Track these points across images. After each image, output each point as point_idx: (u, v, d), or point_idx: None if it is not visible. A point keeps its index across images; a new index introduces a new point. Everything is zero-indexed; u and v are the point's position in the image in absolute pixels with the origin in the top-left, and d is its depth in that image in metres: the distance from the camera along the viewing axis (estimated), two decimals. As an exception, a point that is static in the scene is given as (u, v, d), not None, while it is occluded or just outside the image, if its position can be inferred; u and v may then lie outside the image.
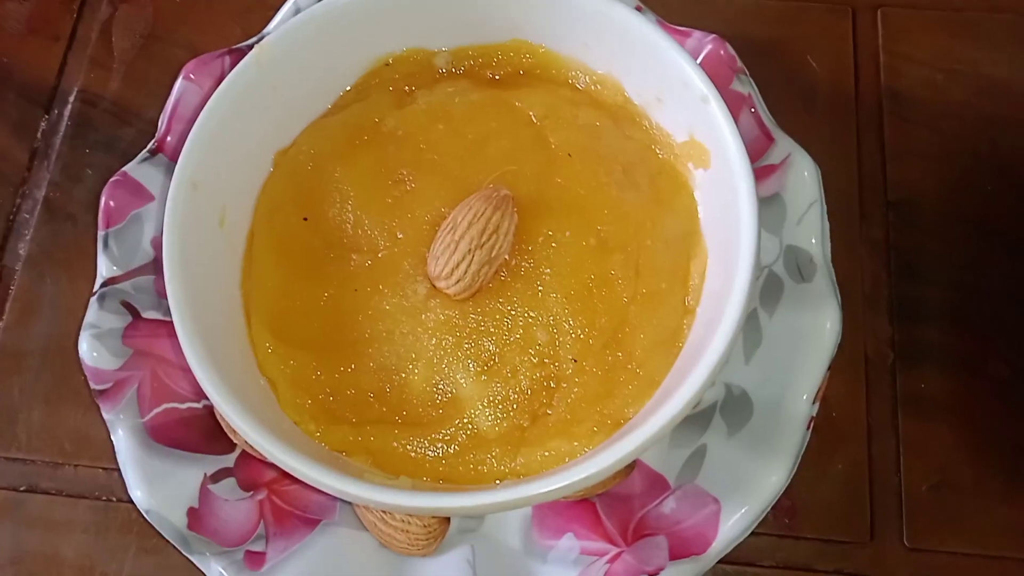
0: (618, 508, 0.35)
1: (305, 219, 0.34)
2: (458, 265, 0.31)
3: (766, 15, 0.44)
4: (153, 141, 0.38)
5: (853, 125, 0.42)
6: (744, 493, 0.33)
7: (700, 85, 0.32)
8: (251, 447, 0.35)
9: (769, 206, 0.38)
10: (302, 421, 0.32)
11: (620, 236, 0.33)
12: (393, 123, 0.35)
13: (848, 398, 0.38)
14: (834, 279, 0.36)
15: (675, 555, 0.33)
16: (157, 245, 0.38)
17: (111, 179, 0.37)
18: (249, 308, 0.33)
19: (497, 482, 0.31)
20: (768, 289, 0.37)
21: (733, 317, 0.29)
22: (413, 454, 0.31)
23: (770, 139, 0.38)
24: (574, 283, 0.33)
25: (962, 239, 0.40)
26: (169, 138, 0.38)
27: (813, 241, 0.36)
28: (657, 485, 0.36)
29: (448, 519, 0.34)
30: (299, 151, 0.35)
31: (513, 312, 0.32)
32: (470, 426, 0.32)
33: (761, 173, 0.38)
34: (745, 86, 0.38)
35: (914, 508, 0.36)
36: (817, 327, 0.35)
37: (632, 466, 0.35)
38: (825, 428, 0.37)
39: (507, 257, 0.33)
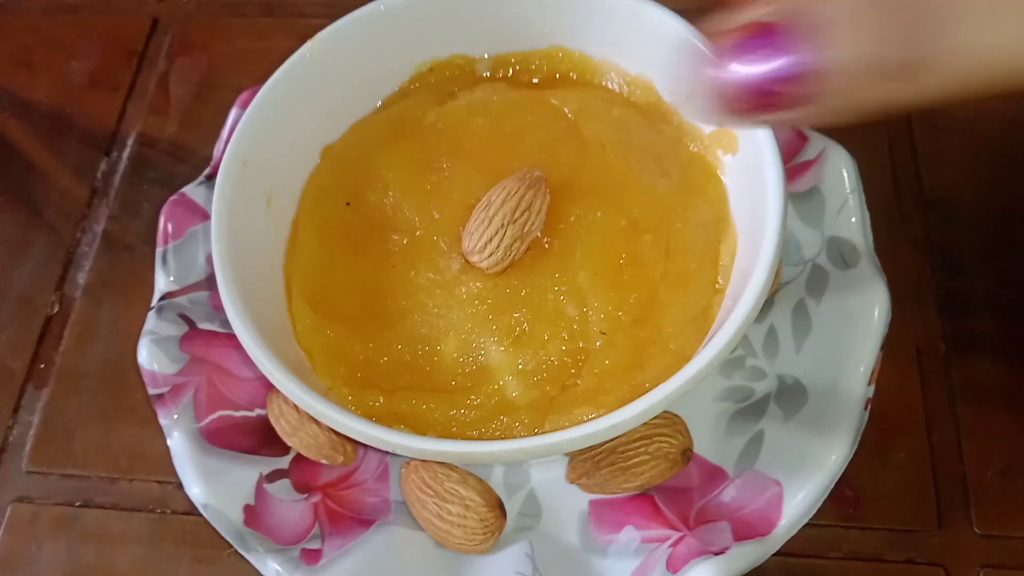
0: (677, 499, 0.35)
1: (348, 204, 0.35)
2: (491, 239, 0.32)
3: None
4: (209, 167, 0.40)
5: (884, 134, 0.43)
6: (806, 472, 0.33)
7: None
8: (305, 447, 0.35)
9: (808, 200, 0.38)
10: (335, 387, 0.32)
11: (650, 218, 0.34)
12: (434, 117, 0.37)
13: (903, 390, 0.37)
14: (878, 263, 0.36)
15: (739, 538, 0.32)
16: (212, 261, 0.39)
17: (170, 199, 0.39)
18: (290, 284, 0.34)
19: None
20: (813, 280, 0.37)
21: (758, 280, 0.29)
22: (443, 419, 0.32)
23: (803, 138, 0.39)
24: (604, 261, 0.33)
25: (1002, 233, 0.40)
26: (225, 162, 0.40)
27: (854, 227, 0.37)
28: (715, 477, 0.35)
29: (504, 515, 0.34)
30: (345, 145, 0.37)
31: (544, 287, 0.33)
32: (499, 394, 0.32)
33: (797, 170, 0.39)
34: (774, 91, 0.40)
35: (982, 494, 0.35)
36: (866, 307, 0.35)
37: (688, 458, 0.35)
38: (883, 419, 0.36)
39: (539, 235, 0.33)
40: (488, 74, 0.38)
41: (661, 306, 0.33)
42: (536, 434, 0.30)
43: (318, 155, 0.37)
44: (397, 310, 0.33)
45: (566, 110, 0.36)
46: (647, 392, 0.30)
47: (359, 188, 0.36)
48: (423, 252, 0.34)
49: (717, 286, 0.33)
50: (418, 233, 0.34)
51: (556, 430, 0.29)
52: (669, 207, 0.34)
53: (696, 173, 0.35)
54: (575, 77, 0.38)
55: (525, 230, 0.33)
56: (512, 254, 0.33)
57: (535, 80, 0.38)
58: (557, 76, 0.38)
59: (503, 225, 0.32)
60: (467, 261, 0.33)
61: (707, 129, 0.35)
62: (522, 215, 0.32)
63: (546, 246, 0.33)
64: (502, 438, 0.31)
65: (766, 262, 0.29)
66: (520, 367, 0.32)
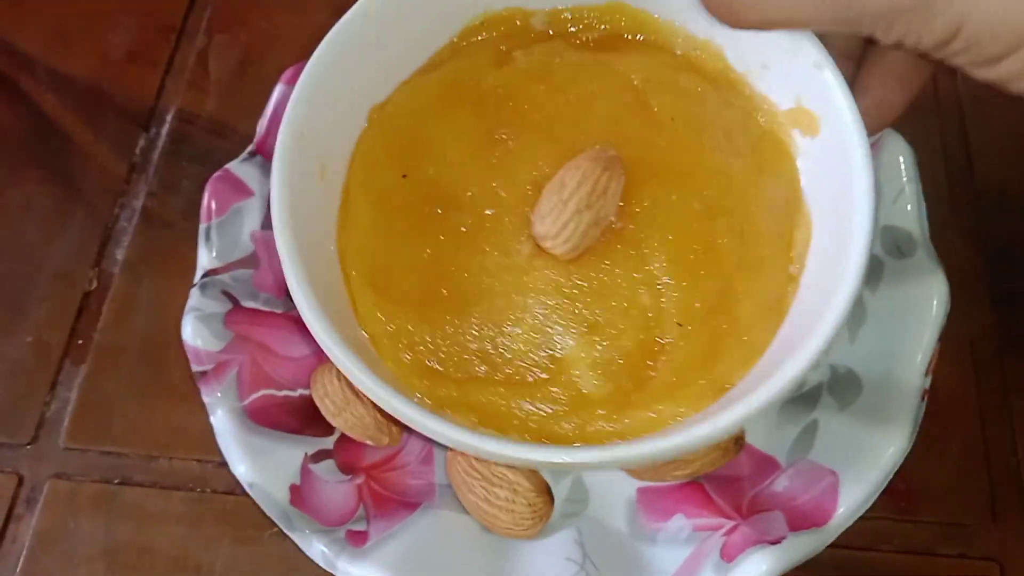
0: (728, 488, 0.34)
1: (404, 176, 0.34)
2: (566, 225, 0.31)
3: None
4: (253, 143, 0.40)
5: (936, 126, 0.43)
6: (864, 463, 0.32)
7: (813, 51, 0.31)
8: (350, 428, 0.35)
9: (863, 188, 0.38)
10: (403, 376, 0.31)
11: (724, 201, 0.33)
12: (492, 82, 0.35)
13: (957, 384, 0.37)
14: (935, 253, 0.36)
15: (794, 528, 0.32)
16: (256, 239, 0.39)
17: (214, 175, 0.38)
18: (345, 262, 0.33)
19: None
20: (868, 269, 0.36)
21: (852, 280, 0.28)
22: (519, 412, 0.31)
23: (859, 124, 0.38)
24: (679, 247, 0.32)
25: (1056, 226, 0.40)
26: (269, 139, 0.39)
27: (910, 216, 0.36)
28: (766, 466, 0.35)
29: (551, 500, 0.33)
30: (395, 107, 0.35)
31: (617, 274, 0.32)
32: (574, 387, 0.31)
33: (853, 157, 0.38)
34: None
35: (1036, 490, 0.35)
36: (924, 297, 0.34)
37: (741, 446, 0.34)
38: (936, 412, 0.36)
39: (612, 219, 0.32)
40: (546, 30, 0.36)
41: (736, 295, 0.31)
42: (614, 431, 0.30)
43: (365, 118, 0.35)
44: (464, 295, 0.32)
45: (632, 78, 0.35)
46: (723, 386, 0.29)
47: (415, 159, 0.34)
48: (490, 234, 0.32)
49: (790, 273, 0.32)
50: (485, 213, 0.33)
51: (634, 425, 0.28)
52: (742, 188, 0.33)
53: (767, 151, 0.33)
54: (639, 38, 0.36)
55: (600, 215, 0.31)
56: (587, 240, 0.31)
57: (593, 39, 0.36)
58: (618, 37, 0.36)
59: (579, 210, 0.31)
60: (537, 245, 0.32)
61: (783, 106, 0.33)
62: (598, 200, 0.31)
63: (618, 231, 0.32)
64: (580, 434, 0.30)
65: (858, 258, 0.28)
66: (595, 359, 0.31)
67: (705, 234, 0.32)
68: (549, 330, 0.32)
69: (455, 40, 0.36)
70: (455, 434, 0.28)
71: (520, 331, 0.32)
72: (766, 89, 0.34)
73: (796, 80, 0.32)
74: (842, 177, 0.30)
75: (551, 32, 0.36)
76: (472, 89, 0.35)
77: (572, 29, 0.36)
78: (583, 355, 0.31)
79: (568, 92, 0.34)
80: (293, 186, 0.31)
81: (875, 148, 0.37)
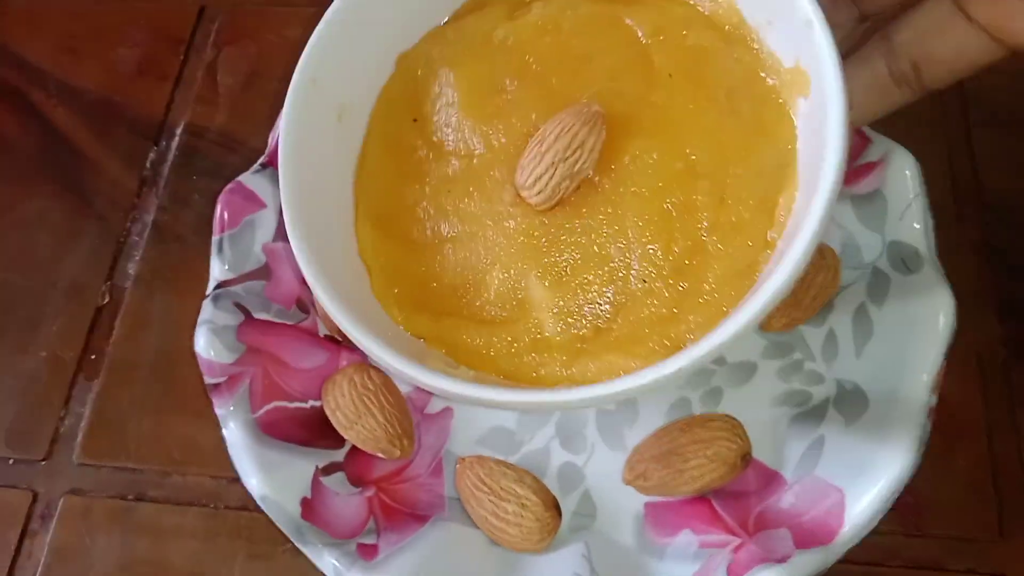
0: (735, 504, 0.34)
1: (415, 120, 0.35)
2: (540, 176, 0.32)
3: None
4: (264, 155, 0.40)
5: (942, 135, 0.43)
6: (869, 480, 0.32)
7: (806, 8, 0.31)
8: (361, 441, 0.35)
9: (870, 203, 0.38)
10: (388, 307, 0.33)
11: (710, 162, 0.32)
12: (503, 33, 0.36)
13: (964, 397, 0.37)
14: (942, 269, 0.36)
15: (800, 545, 0.32)
16: (268, 251, 0.39)
17: (226, 187, 0.39)
18: (358, 199, 0.35)
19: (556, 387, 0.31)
20: (875, 284, 0.37)
21: (804, 240, 0.27)
22: (481, 348, 0.32)
23: (866, 139, 0.38)
24: (654, 205, 0.32)
25: (1064, 238, 0.40)
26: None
27: (917, 232, 0.36)
28: (772, 482, 0.35)
29: (560, 515, 0.34)
30: (418, 54, 0.36)
31: (590, 227, 0.32)
32: (535, 330, 0.32)
33: (860, 172, 0.38)
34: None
35: (1043, 504, 0.35)
36: (930, 314, 0.34)
37: (748, 462, 0.34)
38: (943, 426, 0.35)
39: (591, 173, 0.32)
40: None
41: (707, 257, 0.31)
42: (564, 375, 0.30)
43: (393, 64, 0.36)
44: (449, 236, 0.33)
45: (639, 33, 0.35)
46: (678, 345, 0.29)
47: (425, 104, 0.35)
48: (479, 180, 0.34)
49: (768, 239, 0.31)
50: (475, 161, 0.34)
51: (583, 373, 0.29)
52: (732, 150, 0.32)
53: (769, 112, 0.33)
54: None
55: (576, 169, 0.32)
56: (560, 192, 0.32)
57: None
58: None
59: (554, 163, 0.32)
60: (518, 194, 0.33)
61: (786, 64, 0.32)
62: (574, 153, 0.32)
63: (596, 185, 0.33)
64: (534, 375, 0.31)
65: (818, 210, 0.27)
66: (558, 305, 0.32)
67: (683, 195, 0.32)
68: (519, 275, 0.32)
69: None
70: (403, 367, 0.29)
71: (493, 273, 0.33)
72: (774, 45, 0.33)
73: (794, 38, 0.31)
74: (819, 136, 0.29)
75: None
76: (484, 39, 0.36)
77: None
78: (547, 300, 0.32)
79: (573, 45, 0.35)
80: (303, 130, 0.33)
81: (881, 164, 0.38)
